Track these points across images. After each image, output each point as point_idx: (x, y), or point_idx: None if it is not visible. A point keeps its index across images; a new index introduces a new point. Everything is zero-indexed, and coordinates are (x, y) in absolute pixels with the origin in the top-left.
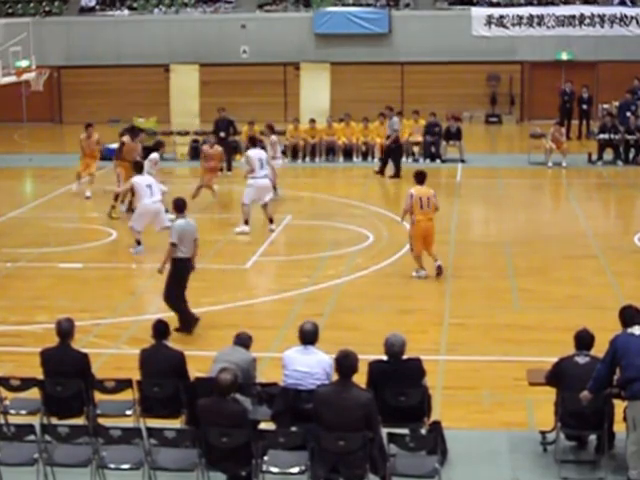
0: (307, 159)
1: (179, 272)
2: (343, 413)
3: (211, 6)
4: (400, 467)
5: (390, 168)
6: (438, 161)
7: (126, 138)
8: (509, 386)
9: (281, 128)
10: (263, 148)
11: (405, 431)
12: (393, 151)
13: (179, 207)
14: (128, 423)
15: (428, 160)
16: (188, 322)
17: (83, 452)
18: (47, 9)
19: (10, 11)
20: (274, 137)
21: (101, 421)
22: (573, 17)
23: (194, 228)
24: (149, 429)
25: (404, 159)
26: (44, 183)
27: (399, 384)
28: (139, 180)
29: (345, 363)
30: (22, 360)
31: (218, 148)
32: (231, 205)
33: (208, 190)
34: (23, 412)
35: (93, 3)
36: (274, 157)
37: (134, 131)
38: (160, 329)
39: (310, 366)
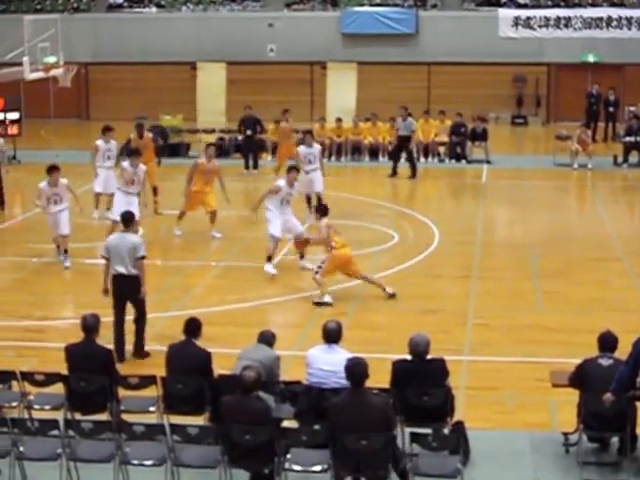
0: (333, 158)
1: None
2: (362, 421)
3: (239, 4)
4: (422, 467)
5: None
6: (463, 162)
7: (132, 135)
8: (532, 387)
9: (308, 127)
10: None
11: (428, 431)
12: (409, 151)
13: (125, 220)
14: (151, 419)
15: (453, 160)
16: (119, 352)
17: (106, 448)
18: (75, 6)
19: (38, 7)
20: (317, 146)
21: (124, 417)
22: (600, 19)
23: (132, 245)
24: (172, 426)
25: (430, 159)
26: (70, 179)
27: (422, 384)
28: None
29: (356, 371)
30: (46, 355)
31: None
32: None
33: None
34: (47, 407)
35: (121, 0)
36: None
37: (140, 127)
38: (190, 326)
39: (334, 364)
